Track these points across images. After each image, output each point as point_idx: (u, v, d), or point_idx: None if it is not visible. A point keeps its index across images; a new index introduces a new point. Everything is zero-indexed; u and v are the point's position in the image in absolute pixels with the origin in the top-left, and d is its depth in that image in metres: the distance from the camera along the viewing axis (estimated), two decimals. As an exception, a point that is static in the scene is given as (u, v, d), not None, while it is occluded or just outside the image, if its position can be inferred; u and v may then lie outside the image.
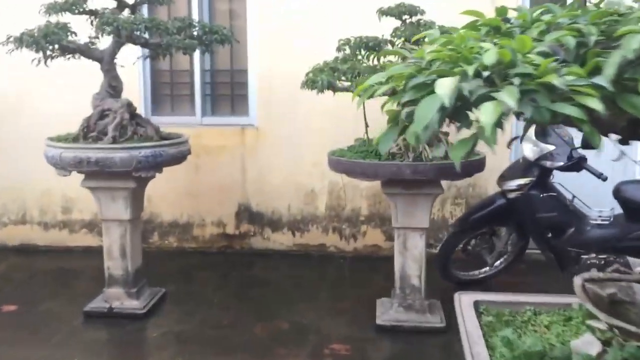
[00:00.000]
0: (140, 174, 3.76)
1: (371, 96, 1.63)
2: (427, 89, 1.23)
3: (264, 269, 4.98)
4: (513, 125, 4.93)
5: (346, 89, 3.47)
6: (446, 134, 3.83)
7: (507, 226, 4.33)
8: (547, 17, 1.29)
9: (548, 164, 3.89)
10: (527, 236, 4.36)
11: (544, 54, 1.17)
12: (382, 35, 3.74)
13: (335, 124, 5.01)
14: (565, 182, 4.09)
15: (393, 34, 3.68)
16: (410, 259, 3.88)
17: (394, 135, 1.38)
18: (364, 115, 3.78)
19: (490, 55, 1.16)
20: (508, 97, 1.09)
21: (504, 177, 4.15)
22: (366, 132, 3.85)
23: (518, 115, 1.20)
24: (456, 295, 1.92)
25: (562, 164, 3.82)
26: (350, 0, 4.96)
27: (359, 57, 3.80)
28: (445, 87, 1.13)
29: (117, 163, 3.65)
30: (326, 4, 5.01)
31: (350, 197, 5.20)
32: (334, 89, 3.43)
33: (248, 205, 5.32)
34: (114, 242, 4.01)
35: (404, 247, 3.87)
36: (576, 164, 3.81)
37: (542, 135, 3.96)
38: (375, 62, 3.77)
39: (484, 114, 1.08)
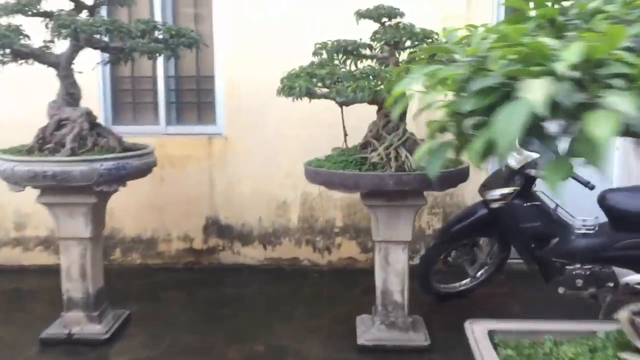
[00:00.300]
0: (102, 188, 3.47)
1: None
2: (495, 93, 1.01)
3: (235, 285, 4.72)
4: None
5: (325, 96, 3.26)
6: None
7: (489, 237, 4.18)
8: (611, 7, 1.10)
9: (533, 172, 3.75)
10: (509, 246, 4.22)
11: (629, 50, 0.97)
12: (360, 39, 3.55)
13: (309, 132, 4.80)
14: (547, 190, 3.96)
15: (372, 37, 3.48)
16: (393, 274, 3.68)
17: (446, 153, 1.14)
18: (342, 122, 3.58)
19: (575, 51, 0.93)
20: (624, 103, 0.86)
21: (485, 187, 3.99)
22: (345, 141, 3.64)
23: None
24: (467, 325, 1.72)
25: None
26: (323, 6, 4.76)
27: (336, 61, 3.59)
28: (537, 91, 0.89)
29: (76, 177, 3.35)
30: (298, 9, 4.80)
31: (324, 208, 4.99)
32: (312, 95, 3.21)
33: (216, 219, 5.05)
34: (73, 263, 3.70)
35: (386, 262, 3.68)
36: (562, 172, 3.67)
37: (524, 142, 3.81)
38: (353, 67, 3.58)
39: (595, 126, 0.84)
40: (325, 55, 3.50)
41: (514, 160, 3.83)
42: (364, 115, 3.54)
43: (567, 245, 3.86)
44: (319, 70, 3.30)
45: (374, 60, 3.67)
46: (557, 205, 3.99)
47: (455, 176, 3.49)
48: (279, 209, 5.01)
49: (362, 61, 3.64)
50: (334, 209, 4.98)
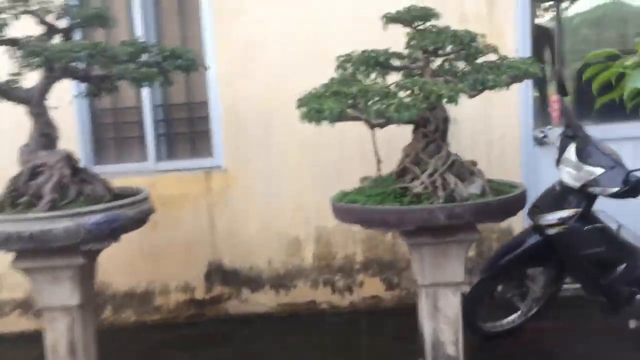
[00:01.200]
0: (90, 246, 2.86)
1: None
2: None
3: (246, 339, 4.10)
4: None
5: (358, 118, 2.69)
6: (474, 163, 3.11)
7: (543, 266, 3.63)
8: None
9: (598, 190, 3.21)
10: (563, 275, 3.67)
11: None
12: (390, 48, 3.00)
13: (321, 158, 4.24)
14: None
15: (408, 44, 2.93)
16: (444, 322, 3.11)
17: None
18: (374, 147, 3.01)
19: None
20: None
21: (538, 209, 3.45)
22: (378, 169, 3.07)
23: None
24: None
25: (616, 189, 3.15)
26: (323, 15, 4.21)
27: (359, 76, 3.04)
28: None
29: (59, 236, 2.73)
30: (297, 20, 4.24)
31: (342, 242, 4.40)
32: (344, 118, 2.65)
33: (220, 264, 4.43)
34: (59, 337, 3.05)
35: (435, 309, 3.10)
36: (634, 189, 3.14)
37: (582, 155, 3.29)
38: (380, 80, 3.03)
39: None
40: (350, 69, 2.93)
41: (571, 178, 3.30)
42: (389, 136, 2.96)
43: (637, 272, 3.34)
44: (347, 87, 2.74)
45: (402, 72, 3.13)
46: (619, 225, 3.47)
47: (515, 202, 2.95)
48: (291, 247, 4.41)
49: (389, 74, 3.09)
50: (353, 243, 4.40)
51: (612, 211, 3.44)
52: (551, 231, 3.36)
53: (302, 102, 2.86)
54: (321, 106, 2.60)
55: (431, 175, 2.91)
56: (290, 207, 4.35)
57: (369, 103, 2.69)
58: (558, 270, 3.60)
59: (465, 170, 2.97)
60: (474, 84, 2.73)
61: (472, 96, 2.76)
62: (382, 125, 2.76)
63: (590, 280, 3.44)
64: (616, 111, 5.20)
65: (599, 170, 3.20)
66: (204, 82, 4.36)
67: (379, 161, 3.06)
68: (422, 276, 3.08)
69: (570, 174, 3.31)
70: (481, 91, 2.87)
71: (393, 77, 3.02)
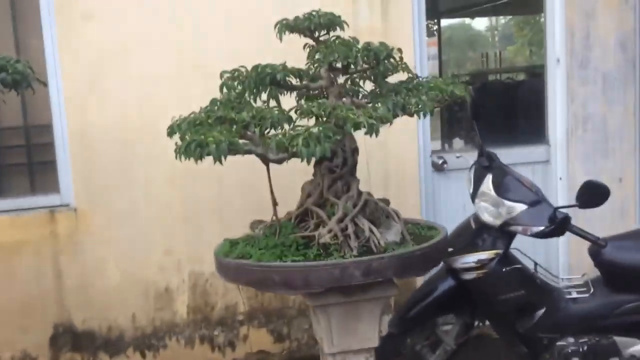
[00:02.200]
0: None
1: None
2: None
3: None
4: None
5: (253, 152, 2.08)
6: (387, 202, 2.61)
7: (456, 313, 3.20)
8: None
9: (519, 229, 2.83)
10: (474, 322, 3.27)
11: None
12: (285, 62, 2.41)
13: (191, 194, 3.57)
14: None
15: (312, 59, 2.36)
16: (355, 396, 2.56)
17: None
18: (270, 186, 2.42)
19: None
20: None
21: (451, 250, 3.01)
22: (275, 212, 2.46)
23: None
24: None
25: (542, 228, 2.78)
26: (186, 22, 3.56)
27: (247, 97, 2.42)
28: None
29: None
30: (158, 27, 3.55)
31: (220, 290, 3.73)
32: (236, 152, 2.02)
33: (69, 325, 3.58)
34: None
35: (344, 381, 2.54)
36: (560, 227, 2.79)
37: (501, 189, 2.90)
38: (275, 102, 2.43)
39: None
40: (238, 89, 2.31)
41: (489, 215, 2.90)
42: (281, 168, 2.38)
43: (556, 316, 3.01)
44: (236, 112, 2.12)
45: (298, 93, 2.57)
46: (535, 264, 3.13)
47: (439, 250, 2.47)
48: (160, 299, 3.67)
49: (283, 94, 2.50)
50: (235, 290, 3.73)
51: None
52: (468, 276, 2.93)
53: (175, 131, 2.20)
54: (204, 138, 1.95)
55: (341, 220, 2.35)
56: (158, 252, 3.62)
57: (267, 133, 2.09)
58: (471, 316, 3.19)
59: (379, 213, 2.44)
60: (393, 109, 2.22)
61: (389, 123, 2.24)
62: (281, 161, 2.17)
63: (508, 328, 3.06)
64: (511, 135, 5.03)
65: (520, 207, 2.82)
66: (46, 100, 3.52)
67: (275, 203, 2.45)
68: (328, 343, 2.50)
69: (488, 210, 2.91)
70: (395, 117, 2.37)
71: (284, 100, 2.45)
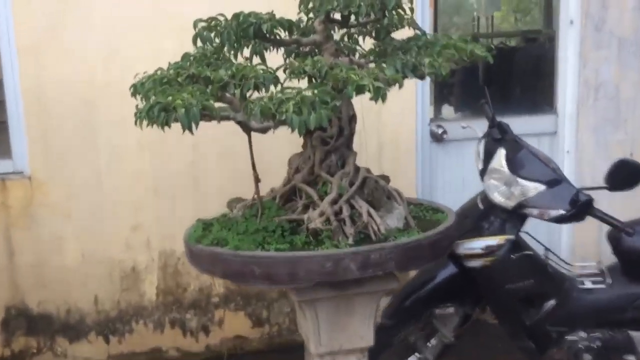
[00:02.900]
0: None
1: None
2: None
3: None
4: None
5: (232, 118, 1.69)
6: (387, 179, 2.25)
7: (458, 303, 2.87)
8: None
9: (536, 213, 2.48)
10: (474, 312, 2.94)
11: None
12: (272, 11, 2.00)
13: (163, 163, 3.17)
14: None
15: (304, 7, 1.96)
16: (346, 401, 2.23)
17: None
18: (252, 160, 2.03)
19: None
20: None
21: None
22: (257, 191, 2.08)
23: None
24: None
25: (562, 212, 2.43)
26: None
27: (227, 52, 2.02)
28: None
29: None
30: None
31: (194, 270, 3.36)
32: (210, 118, 1.63)
33: (24, 307, 3.20)
34: None
35: (334, 384, 2.21)
36: (581, 212, 2.45)
37: (515, 165, 2.54)
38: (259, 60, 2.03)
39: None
40: (215, 42, 1.91)
41: (500, 195, 2.55)
42: (265, 137, 1.98)
43: (568, 308, 2.69)
44: (212, 70, 1.72)
45: (286, 50, 2.17)
46: (546, 249, 2.80)
47: (448, 237, 2.12)
48: (126, 280, 3.30)
49: (269, 50, 2.10)
50: (210, 270, 3.37)
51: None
52: (473, 263, 2.59)
53: (138, 90, 1.80)
54: (170, 100, 1.56)
55: (334, 201, 1.98)
56: (124, 228, 3.24)
57: (249, 96, 1.70)
58: (473, 306, 2.87)
59: (380, 193, 2.08)
60: (402, 70, 1.83)
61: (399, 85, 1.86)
62: (265, 130, 1.79)
63: (515, 320, 2.74)
64: (515, 103, 4.67)
65: (537, 187, 2.47)
66: (-6, 52, 3.08)
67: (257, 180, 2.07)
68: (315, 342, 2.16)
69: (499, 190, 2.55)
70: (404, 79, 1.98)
71: (270, 58, 2.05)
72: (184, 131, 1.55)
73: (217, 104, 1.68)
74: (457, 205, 3.59)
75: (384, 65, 1.83)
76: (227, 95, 1.72)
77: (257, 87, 1.68)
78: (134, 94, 1.80)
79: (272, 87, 1.73)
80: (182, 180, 3.21)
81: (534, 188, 2.46)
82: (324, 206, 1.97)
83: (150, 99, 1.62)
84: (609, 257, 3.72)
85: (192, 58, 1.95)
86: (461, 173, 3.65)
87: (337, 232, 1.94)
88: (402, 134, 3.45)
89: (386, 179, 2.23)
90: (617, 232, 2.57)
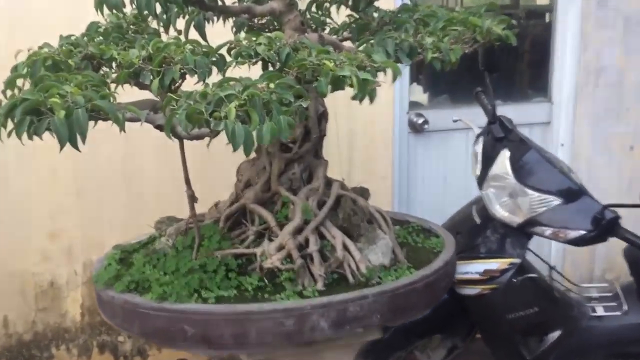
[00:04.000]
0: None
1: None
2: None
3: None
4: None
5: (148, 121, 1.14)
6: (366, 194, 1.73)
7: (445, 335, 2.39)
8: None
9: (549, 232, 1.99)
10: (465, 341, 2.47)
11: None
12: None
13: (86, 157, 2.57)
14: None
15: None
16: None
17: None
18: (185, 172, 1.48)
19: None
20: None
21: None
22: (192, 214, 1.53)
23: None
24: None
25: (583, 233, 1.95)
26: None
27: (150, 22, 1.46)
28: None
29: None
30: None
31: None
32: (106, 118, 1.07)
33: None
34: None
35: None
36: (606, 232, 1.97)
37: (521, 172, 2.05)
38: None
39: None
40: (133, 9, 1.33)
41: (503, 209, 2.06)
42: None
43: (576, 340, 2.24)
44: (123, 50, 1.16)
45: (236, 23, 1.61)
46: (551, 268, 2.34)
47: (448, 273, 1.62)
48: (43, 297, 2.71)
49: (212, 22, 1.54)
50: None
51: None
52: (468, 291, 2.11)
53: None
54: (43, 98, 0.99)
55: (298, 230, 1.46)
56: (40, 235, 2.64)
57: (175, 87, 1.14)
58: (464, 337, 2.40)
59: (359, 217, 1.55)
60: (393, 53, 1.30)
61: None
62: (201, 138, 1.23)
63: (513, 353, 2.28)
64: (502, 88, 4.17)
65: (551, 200, 1.98)
66: None
67: (192, 198, 1.52)
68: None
69: (501, 202, 2.06)
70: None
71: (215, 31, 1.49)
72: (61, 149, 0.99)
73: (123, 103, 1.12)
74: (438, 207, 3.13)
75: (369, 45, 1.29)
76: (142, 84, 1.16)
77: (183, 76, 1.13)
78: (7, 87, 1.22)
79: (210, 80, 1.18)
80: (110, 179, 2.62)
81: (547, 202, 1.97)
82: (284, 237, 1.44)
83: (16, 93, 1.05)
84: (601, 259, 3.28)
85: (99, 30, 1.37)
86: (443, 169, 3.16)
87: (302, 274, 1.42)
88: (376, 124, 2.92)
89: (365, 193, 1.71)
90: (636, 250, 2.12)
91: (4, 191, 2.56)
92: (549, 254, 3.31)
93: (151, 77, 1.13)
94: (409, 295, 1.45)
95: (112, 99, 1.06)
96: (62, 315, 2.76)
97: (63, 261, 2.70)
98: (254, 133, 0.99)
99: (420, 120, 3.01)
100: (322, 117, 1.56)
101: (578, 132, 3.28)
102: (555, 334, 2.22)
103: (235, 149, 0.99)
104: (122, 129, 1.02)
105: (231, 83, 1.08)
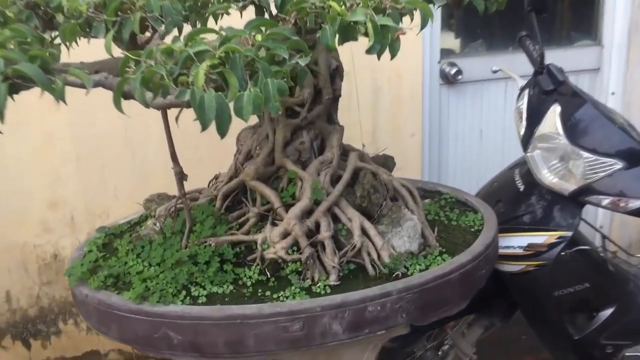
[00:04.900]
0: None
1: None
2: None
3: None
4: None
5: (99, 84, 0.88)
6: (389, 164, 1.46)
7: (481, 314, 2.14)
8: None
9: (607, 202, 1.70)
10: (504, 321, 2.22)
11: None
12: None
13: (86, 120, 2.36)
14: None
15: None
16: None
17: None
18: (168, 136, 1.23)
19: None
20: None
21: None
22: (181, 193, 1.29)
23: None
24: None
25: (646, 204, 1.66)
26: None
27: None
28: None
29: None
30: None
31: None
32: (53, 92, 0.82)
33: None
34: None
35: None
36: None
37: (574, 131, 1.75)
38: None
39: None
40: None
41: (552, 174, 1.77)
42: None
43: (631, 317, 1.97)
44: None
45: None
46: (604, 237, 2.06)
47: (489, 257, 1.36)
48: (47, 270, 2.54)
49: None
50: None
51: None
52: (509, 267, 1.84)
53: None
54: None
55: (307, 212, 1.21)
56: (40, 204, 2.45)
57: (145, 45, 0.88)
58: (503, 317, 2.14)
59: (380, 195, 1.29)
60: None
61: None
62: (171, 107, 0.97)
63: (560, 333, 2.02)
64: (546, 33, 3.81)
65: (612, 165, 1.68)
66: None
67: (180, 176, 1.27)
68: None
69: (550, 166, 1.77)
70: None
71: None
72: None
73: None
74: (472, 167, 2.86)
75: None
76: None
77: (147, 28, 0.86)
78: None
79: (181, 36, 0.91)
80: (112, 145, 2.40)
81: (605, 166, 1.67)
82: (290, 221, 1.19)
83: None
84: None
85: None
86: (478, 124, 2.86)
87: (312, 266, 1.18)
88: (404, 77, 2.62)
89: (389, 162, 1.44)
90: None
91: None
92: (595, 216, 3.03)
93: (105, 29, 0.87)
94: (441, 288, 1.20)
95: (52, 60, 0.80)
96: (67, 288, 2.57)
97: (66, 232, 2.50)
98: (231, 104, 0.73)
99: (453, 71, 2.70)
100: (336, 73, 1.29)
101: (631, 79, 2.93)
102: (608, 311, 1.95)
103: (204, 127, 0.73)
104: (60, 98, 0.77)
105: (205, 35, 0.82)
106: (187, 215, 1.26)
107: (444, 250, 1.29)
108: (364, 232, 1.22)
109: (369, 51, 0.89)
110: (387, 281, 1.18)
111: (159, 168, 2.37)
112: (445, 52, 2.77)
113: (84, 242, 1.43)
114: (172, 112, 1.06)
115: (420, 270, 1.22)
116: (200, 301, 1.15)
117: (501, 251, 1.82)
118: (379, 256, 1.21)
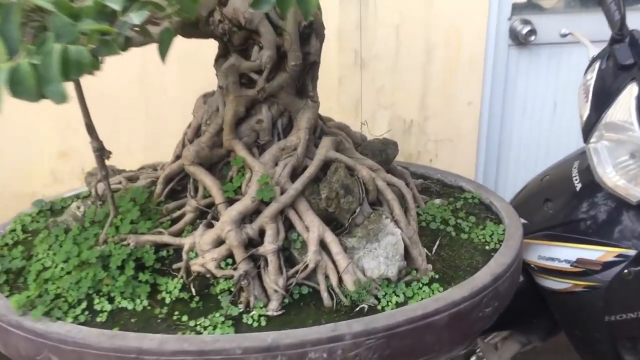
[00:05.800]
0: None
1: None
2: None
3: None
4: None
5: None
6: (388, 147, 1.13)
7: (519, 330, 1.79)
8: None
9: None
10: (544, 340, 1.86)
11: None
12: None
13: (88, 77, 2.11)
14: None
15: None
16: None
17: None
18: (81, 104, 0.97)
19: None
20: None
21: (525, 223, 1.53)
22: (102, 176, 1.02)
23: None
24: None
25: None
26: None
27: None
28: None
29: None
30: None
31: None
32: None
33: None
34: None
35: None
36: None
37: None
38: None
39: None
40: None
41: (619, 174, 1.37)
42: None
43: None
44: None
45: None
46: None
47: (504, 294, 1.02)
48: (57, 223, 2.39)
49: None
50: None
51: None
52: (552, 284, 1.48)
53: None
54: None
55: (247, 213, 0.91)
56: (49, 154, 2.29)
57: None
58: (543, 336, 1.78)
59: (355, 195, 0.97)
60: None
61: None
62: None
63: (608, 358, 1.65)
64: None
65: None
66: None
67: (101, 152, 1.01)
68: None
69: (616, 163, 1.37)
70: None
71: None
72: None
73: None
74: (542, 147, 2.44)
75: None
76: None
77: None
78: None
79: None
80: (125, 98, 2.17)
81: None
82: (224, 225, 0.90)
83: None
84: None
85: None
86: (552, 94, 2.41)
87: (247, 287, 0.89)
88: (464, 33, 2.22)
89: (387, 150, 1.11)
90: None
91: (8, 107, 2.18)
92: None
93: None
94: (420, 334, 0.88)
95: None
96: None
97: (76, 183, 2.33)
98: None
99: (526, 29, 2.25)
100: (312, 32, 0.96)
101: None
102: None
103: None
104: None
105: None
106: (111, 201, 1.00)
107: (436, 276, 0.97)
108: (323, 246, 0.92)
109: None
110: (345, 317, 0.88)
111: (173, 123, 2.13)
112: (518, 7, 2.32)
113: (13, 217, 1.21)
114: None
115: (397, 304, 0.91)
116: (99, 319, 0.89)
117: (544, 263, 1.47)
118: (340, 281, 0.91)
